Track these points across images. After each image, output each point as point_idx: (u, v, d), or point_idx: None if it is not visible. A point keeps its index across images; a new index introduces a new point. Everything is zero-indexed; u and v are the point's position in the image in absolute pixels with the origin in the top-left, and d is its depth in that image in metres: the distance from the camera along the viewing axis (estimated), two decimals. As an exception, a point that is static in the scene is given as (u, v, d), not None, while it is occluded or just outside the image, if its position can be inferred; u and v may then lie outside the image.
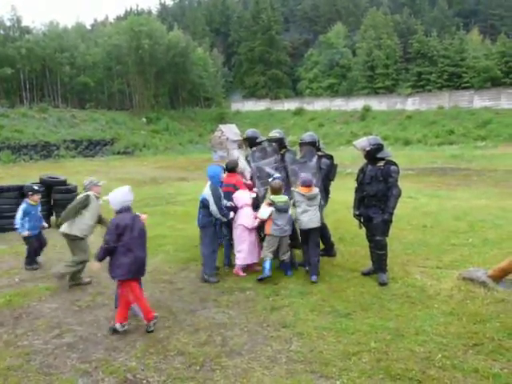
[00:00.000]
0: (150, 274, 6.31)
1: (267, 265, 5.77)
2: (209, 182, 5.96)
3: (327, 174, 6.56)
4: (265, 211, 5.96)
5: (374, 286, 5.47)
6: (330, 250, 6.87)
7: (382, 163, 5.63)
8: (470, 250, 6.94)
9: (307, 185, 5.85)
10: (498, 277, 5.18)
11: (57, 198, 10.17)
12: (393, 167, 5.58)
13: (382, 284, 5.50)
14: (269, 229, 5.86)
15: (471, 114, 36.24)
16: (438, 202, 11.69)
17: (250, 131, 7.47)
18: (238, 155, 7.16)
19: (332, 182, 6.81)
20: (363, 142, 5.74)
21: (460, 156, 24.75)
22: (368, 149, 5.63)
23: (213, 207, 5.76)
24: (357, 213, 5.90)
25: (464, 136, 32.82)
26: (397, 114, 41.02)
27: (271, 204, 5.94)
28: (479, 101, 37.91)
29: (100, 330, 4.51)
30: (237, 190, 6.32)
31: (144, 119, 45.06)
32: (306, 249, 6.00)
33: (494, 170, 18.99)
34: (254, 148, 6.92)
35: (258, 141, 7.19)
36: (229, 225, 6.35)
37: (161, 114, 47.00)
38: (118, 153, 36.15)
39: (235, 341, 4.21)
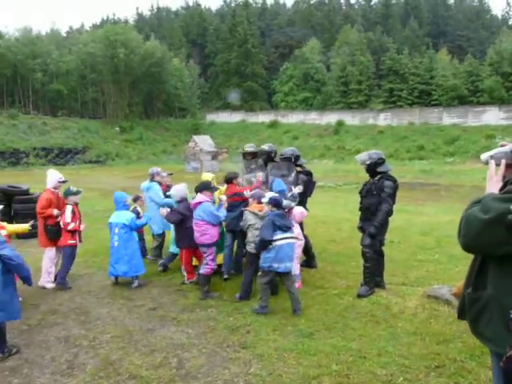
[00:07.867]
0: (109, 289, 6.06)
1: None
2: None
3: (304, 190, 6.54)
4: None
5: (338, 304, 5.35)
6: (310, 262, 6.83)
7: (377, 177, 5.59)
8: (436, 267, 6.95)
9: (260, 201, 5.45)
10: (461, 294, 5.15)
11: (17, 208, 9.79)
12: (387, 182, 5.49)
13: (358, 295, 5.48)
14: None
15: (440, 131, 37.16)
16: (406, 217, 11.76)
17: (289, 150, 7.08)
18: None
19: (308, 198, 6.83)
20: (363, 155, 5.72)
21: (429, 171, 25.26)
22: (368, 163, 5.58)
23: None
24: (359, 225, 5.83)
25: (433, 152, 33.60)
26: (369, 129, 41.67)
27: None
28: (448, 118, 38.97)
29: (49, 352, 4.23)
30: (241, 196, 6.16)
31: (117, 128, 44.40)
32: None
33: (462, 186, 19.42)
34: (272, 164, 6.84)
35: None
36: (234, 234, 6.33)
37: (135, 124, 46.44)
38: (90, 162, 35.50)
39: (192, 363, 4.01)
